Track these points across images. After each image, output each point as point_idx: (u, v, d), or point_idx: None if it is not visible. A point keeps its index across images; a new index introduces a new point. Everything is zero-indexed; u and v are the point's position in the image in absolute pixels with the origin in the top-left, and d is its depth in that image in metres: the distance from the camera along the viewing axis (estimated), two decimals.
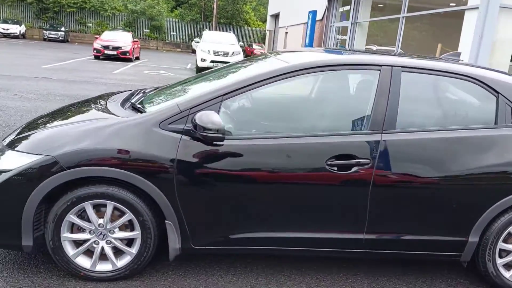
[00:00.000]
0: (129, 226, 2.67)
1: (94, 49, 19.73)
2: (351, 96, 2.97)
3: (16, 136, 2.86)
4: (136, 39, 23.23)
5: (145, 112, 2.76)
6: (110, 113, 2.85)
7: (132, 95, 3.47)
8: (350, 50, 3.50)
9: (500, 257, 2.87)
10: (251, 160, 2.60)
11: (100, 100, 3.32)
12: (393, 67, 2.76)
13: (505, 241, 2.84)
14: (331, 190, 2.65)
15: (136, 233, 2.64)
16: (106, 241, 2.66)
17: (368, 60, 2.83)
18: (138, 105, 2.96)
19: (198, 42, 17.40)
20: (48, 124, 2.89)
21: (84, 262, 2.67)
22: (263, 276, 2.87)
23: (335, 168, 2.60)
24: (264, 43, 36.33)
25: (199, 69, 16.26)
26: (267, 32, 27.80)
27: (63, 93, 9.53)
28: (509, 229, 2.81)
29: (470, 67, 2.95)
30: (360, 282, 2.89)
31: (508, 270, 2.91)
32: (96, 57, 19.82)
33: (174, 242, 2.65)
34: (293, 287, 2.78)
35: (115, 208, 2.60)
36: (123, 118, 2.66)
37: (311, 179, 2.63)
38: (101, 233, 2.64)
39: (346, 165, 2.61)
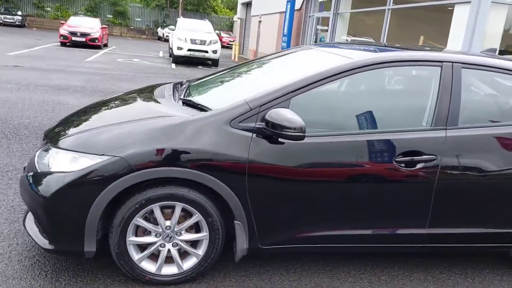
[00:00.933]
0: (193, 227, 2.58)
1: (61, 35, 18.89)
2: (413, 92, 2.98)
3: (62, 134, 2.69)
4: (105, 26, 22.44)
5: (207, 109, 2.65)
6: (168, 110, 2.73)
7: (175, 88, 3.34)
8: (387, 45, 3.49)
9: None
10: (321, 157, 2.56)
11: (148, 94, 3.19)
12: (453, 64, 2.79)
13: None
14: (398, 186, 2.67)
15: (204, 235, 2.56)
16: (173, 244, 2.57)
17: (431, 57, 2.84)
18: (193, 102, 2.84)
19: (173, 30, 17.00)
20: (98, 122, 2.73)
21: (148, 266, 2.57)
22: (324, 274, 2.87)
23: (403, 165, 2.62)
24: (231, 31, 36.02)
25: (175, 58, 15.94)
26: (238, 21, 27.53)
27: (43, 82, 9.08)
28: None
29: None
30: (416, 276, 2.94)
31: None
32: (63, 44, 19.01)
33: (242, 243, 2.59)
34: (356, 283, 2.79)
35: (182, 210, 2.50)
36: (190, 116, 2.55)
37: (379, 176, 2.63)
38: (167, 236, 2.54)
39: (413, 162, 2.63)
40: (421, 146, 2.65)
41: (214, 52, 16.09)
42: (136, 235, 2.52)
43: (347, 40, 13.52)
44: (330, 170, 2.57)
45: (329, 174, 2.57)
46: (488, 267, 3.15)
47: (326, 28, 13.08)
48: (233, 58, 21.45)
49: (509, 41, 8.29)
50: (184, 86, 3.45)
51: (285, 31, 15.26)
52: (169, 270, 2.60)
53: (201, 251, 2.59)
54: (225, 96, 3.04)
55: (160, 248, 2.56)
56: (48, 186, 2.41)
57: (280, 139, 2.48)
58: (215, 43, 16.17)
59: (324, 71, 2.63)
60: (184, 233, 2.57)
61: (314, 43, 13.59)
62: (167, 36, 31.80)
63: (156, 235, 2.53)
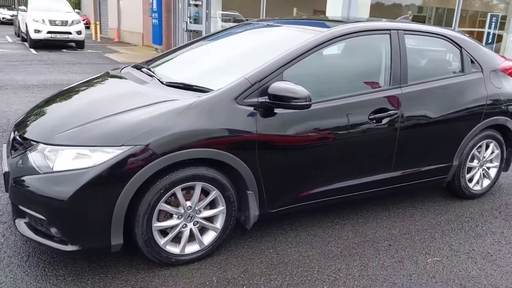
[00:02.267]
0: (209, 203, 2.69)
1: None
2: (373, 58, 3.40)
3: (52, 130, 2.51)
4: None
5: (205, 89, 2.72)
6: (167, 94, 2.72)
7: (141, 72, 3.28)
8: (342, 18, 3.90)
9: (467, 173, 3.80)
10: (314, 123, 2.86)
11: (124, 80, 3.08)
12: (398, 31, 3.30)
13: (471, 160, 3.77)
14: (373, 140, 3.13)
15: (221, 209, 2.69)
16: (194, 223, 2.65)
17: (382, 26, 3.30)
18: (186, 84, 2.86)
19: (24, 10, 15.17)
20: (93, 113, 2.59)
21: (172, 249, 2.62)
22: (316, 226, 3.23)
23: (374, 121, 3.07)
24: (80, 9, 33.21)
25: (33, 42, 14.36)
26: None
27: None
28: (473, 151, 3.73)
29: (440, 28, 3.69)
30: (382, 214, 3.49)
31: (470, 182, 3.86)
32: None
33: (254, 210, 2.79)
34: (342, 228, 3.22)
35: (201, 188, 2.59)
36: (197, 98, 2.60)
37: (359, 133, 3.04)
38: (188, 216, 2.61)
39: (381, 117, 3.10)
40: (385, 103, 3.13)
41: (78, 33, 14.90)
42: (158, 220, 2.54)
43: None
44: (322, 132, 2.89)
45: (321, 136, 2.89)
46: (428, 198, 3.86)
47: (200, 3, 13.11)
48: (94, 38, 20.05)
49: (376, 9, 9.50)
50: (144, 68, 3.38)
51: (154, 7, 14.81)
52: (192, 248, 2.68)
53: (218, 224, 2.72)
54: (213, 75, 3.11)
55: (182, 229, 2.62)
56: (65, 188, 2.28)
57: (276, 111, 2.70)
58: (77, 23, 14.96)
59: (305, 45, 2.90)
60: (203, 211, 2.66)
61: (189, 18, 13.53)
62: (4, 18, 28.13)
63: (178, 217, 2.58)
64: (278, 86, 2.62)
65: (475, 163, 3.82)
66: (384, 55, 3.27)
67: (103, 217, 2.35)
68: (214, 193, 2.63)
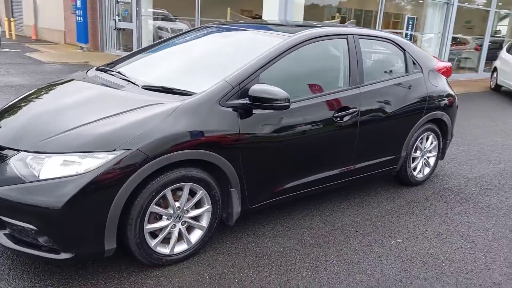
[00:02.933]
0: (195, 203, 2.77)
1: None
2: (334, 61, 3.65)
3: (32, 137, 2.47)
4: None
5: (187, 93, 2.79)
6: (150, 97, 2.76)
7: (109, 74, 3.27)
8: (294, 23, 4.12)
9: (412, 163, 4.23)
10: (289, 121, 3.05)
11: (102, 86, 3.04)
12: (354, 36, 3.60)
13: (415, 151, 4.20)
14: (338, 136, 3.40)
15: (207, 207, 2.80)
16: (182, 223, 2.72)
17: (341, 31, 3.57)
18: (159, 86, 2.91)
19: None
20: (73, 120, 2.56)
21: (162, 250, 2.68)
22: (288, 218, 3.44)
23: (338, 119, 3.34)
24: None
25: None
26: None
27: None
28: (416, 143, 4.15)
29: (386, 33, 4.07)
30: (344, 203, 3.79)
31: (414, 171, 4.30)
32: None
33: (237, 207, 2.92)
34: (313, 219, 3.47)
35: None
36: (182, 101, 2.67)
37: (327, 130, 3.29)
38: (177, 216, 2.68)
39: (343, 115, 3.37)
40: (347, 102, 3.41)
41: None
42: (149, 222, 2.58)
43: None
44: (294, 130, 3.09)
45: (293, 134, 3.09)
46: (380, 187, 4.24)
47: (129, 0, 12.77)
48: (8, 36, 18.63)
49: (309, 12, 9.93)
50: (113, 72, 3.35)
51: (78, 3, 14.13)
52: (180, 248, 2.75)
53: (204, 223, 2.82)
54: (189, 78, 3.17)
55: (171, 230, 2.68)
56: (57, 196, 2.25)
57: (254, 111, 2.86)
58: None
59: (279, 47, 3.08)
60: (191, 210, 2.75)
61: (117, 16, 13.12)
62: None
63: (167, 218, 2.64)
64: (259, 88, 2.77)
65: (418, 153, 4.26)
66: (343, 57, 3.55)
67: (97, 223, 2.35)
68: (201, 193, 2.73)
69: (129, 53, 3.95)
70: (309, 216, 3.52)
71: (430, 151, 4.41)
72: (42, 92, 3.21)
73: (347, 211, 3.68)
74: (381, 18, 10.52)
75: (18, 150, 2.43)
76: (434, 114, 4.17)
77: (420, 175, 4.38)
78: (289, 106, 2.84)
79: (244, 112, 2.82)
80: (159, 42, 3.99)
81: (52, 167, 2.33)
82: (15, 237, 2.45)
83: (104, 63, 3.76)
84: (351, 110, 3.41)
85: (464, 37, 14.50)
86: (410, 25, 11.88)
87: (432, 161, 4.46)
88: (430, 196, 4.15)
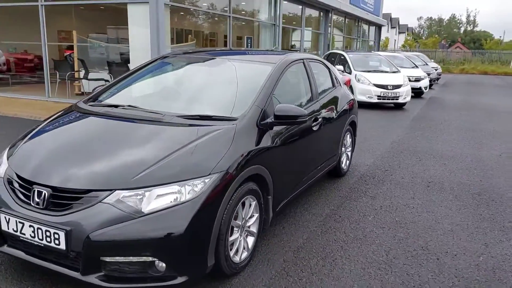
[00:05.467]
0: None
1: None
2: (301, 80, 4.31)
3: (120, 175, 2.56)
4: None
5: (226, 118, 3.12)
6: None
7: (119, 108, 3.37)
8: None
9: (341, 158, 5.26)
10: (293, 132, 3.63)
11: (139, 122, 3.10)
12: (306, 59, 4.41)
13: (342, 148, 5.24)
14: (315, 140, 4.13)
15: (257, 215, 3.19)
16: (244, 232, 3.06)
17: (300, 56, 4.32)
18: (196, 115, 3.17)
19: None
20: (155, 153, 2.71)
21: (235, 259, 2.97)
22: (289, 217, 4.02)
23: (315, 127, 4.09)
24: None
25: None
26: None
27: None
28: (343, 141, 5.20)
29: (317, 56, 4.98)
30: (311, 202, 4.54)
31: (342, 163, 5.34)
32: None
33: (270, 212, 3.39)
34: (302, 214, 4.12)
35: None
36: (234, 125, 3.01)
37: (308, 136, 3.98)
38: (242, 227, 3.02)
39: (316, 124, 4.13)
40: (317, 113, 4.18)
41: None
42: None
43: None
44: (296, 138, 3.69)
45: (295, 141, 3.69)
46: (322, 182, 5.13)
47: None
48: None
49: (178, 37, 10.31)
50: (119, 107, 3.38)
51: None
52: (244, 255, 3.08)
53: (255, 229, 3.20)
54: (214, 105, 3.46)
55: (239, 239, 3.00)
56: (175, 224, 2.43)
57: (274, 127, 3.37)
58: None
59: (273, 74, 3.64)
60: (248, 220, 3.11)
61: None
62: None
63: (237, 230, 2.96)
64: (284, 108, 3.31)
65: (343, 149, 5.31)
66: (306, 78, 4.32)
67: (205, 242, 2.58)
68: (254, 203, 3.12)
69: (113, 81, 3.93)
70: (298, 212, 4.16)
71: (349, 147, 5.51)
72: (61, 132, 3.09)
73: (320, 204, 4.44)
74: (231, 39, 11.62)
75: (111, 190, 2.47)
76: (353, 117, 5.29)
77: (345, 167, 5.44)
78: (307, 120, 3.45)
79: (269, 129, 3.31)
80: (135, 71, 4.05)
81: (155, 199, 2.47)
82: (111, 276, 2.46)
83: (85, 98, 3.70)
84: (319, 119, 4.19)
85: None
86: (249, 44, 13.34)
87: (349, 154, 5.58)
88: (358, 182, 5.23)
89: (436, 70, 21.56)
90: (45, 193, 2.52)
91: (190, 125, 3.03)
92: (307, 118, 3.43)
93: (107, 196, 2.45)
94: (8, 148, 3.11)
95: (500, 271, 3.22)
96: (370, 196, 4.73)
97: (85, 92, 11.19)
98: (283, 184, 3.57)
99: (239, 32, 12.65)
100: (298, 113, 3.33)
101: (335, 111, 4.75)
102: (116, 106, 3.39)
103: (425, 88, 15.52)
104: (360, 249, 3.47)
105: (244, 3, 12.97)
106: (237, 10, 12.22)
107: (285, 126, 3.48)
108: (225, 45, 11.80)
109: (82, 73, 11.07)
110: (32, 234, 2.51)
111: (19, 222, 2.54)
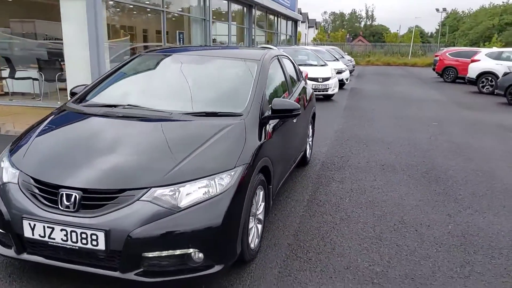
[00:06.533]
0: None
1: None
2: (281, 75, 4.50)
3: (148, 173, 2.62)
4: None
5: (231, 114, 3.26)
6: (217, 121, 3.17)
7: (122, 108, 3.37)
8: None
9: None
10: (282, 123, 3.87)
11: (150, 121, 3.13)
12: (278, 56, 4.64)
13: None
14: (294, 132, 4.41)
15: (263, 204, 3.39)
16: (256, 220, 3.24)
17: (274, 53, 4.53)
18: (203, 112, 3.26)
19: None
20: (178, 150, 2.81)
21: (251, 246, 3.14)
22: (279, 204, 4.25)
23: (294, 120, 4.35)
24: None
25: None
26: None
27: None
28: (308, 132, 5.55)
29: (285, 53, 5.22)
30: (291, 192, 4.82)
31: (306, 152, 5.69)
32: None
33: (270, 201, 3.60)
34: (292, 201, 4.39)
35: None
36: (241, 121, 3.15)
37: (291, 128, 4.24)
38: (254, 215, 3.20)
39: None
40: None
41: None
42: None
43: None
44: (283, 132, 3.93)
45: (284, 132, 3.93)
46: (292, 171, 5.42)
47: None
48: None
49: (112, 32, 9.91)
50: (120, 107, 3.36)
51: None
52: (256, 242, 3.25)
53: (262, 217, 3.39)
54: (211, 102, 3.54)
55: (253, 227, 3.17)
56: (212, 216, 2.55)
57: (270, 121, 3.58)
58: None
59: (262, 70, 3.82)
60: (259, 208, 3.29)
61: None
62: None
63: (252, 219, 3.13)
64: (281, 103, 3.53)
65: (308, 139, 5.65)
66: (283, 72, 4.56)
67: (236, 231, 2.73)
68: (262, 193, 3.31)
69: (96, 81, 3.83)
70: (282, 200, 4.41)
71: (310, 136, 5.87)
72: (69, 133, 3.02)
73: (298, 191, 4.73)
74: (165, 34, 11.47)
75: (146, 188, 2.52)
76: (314, 108, 5.65)
77: (309, 156, 5.80)
78: (300, 112, 3.70)
79: (267, 122, 3.51)
80: (116, 69, 3.98)
81: (188, 194, 2.57)
82: (149, 271, 2.52)
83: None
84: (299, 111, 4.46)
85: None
86: (181, 39, 13.24)
87: (310, 143, 5.94)
88: (323, 169, 5.62)
89: (351, 62, 23.05)
90: (75, 196, 2.49)
91: (201, 121, 3.13)
92: (300, 111, 3.68)
93: (144, 194, 2.49)
94: (8, 154, 2.96)
95: (468, 235, 3.75)
96: (338, 181, 5.13)
97: (10, 92, 10.40)
98: (278, 174, 3.79)
99: (171, 27, 12.48)
100: (293, 107, 3.56)
101: (304, 103, 5.05)
102: (114, 106, 3.36)
103: (346, 79, 16.56)
104: (350, 228, 3.82)
105: None
106: (170, 5, 12.08)
107: (278, 119, 3.69)
108: (160, 40, 11.61)
109: (5, 72, 10.25)
110: (64, 238, 2.47)
111: (48, 227, 2.48)
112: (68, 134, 3.10)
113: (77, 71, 8.79)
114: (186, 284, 2.80)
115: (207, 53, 4.36)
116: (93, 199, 2.50)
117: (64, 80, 9.24)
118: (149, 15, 12.17)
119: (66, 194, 2.51)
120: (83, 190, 2.51)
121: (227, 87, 3.77)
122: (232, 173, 2.73)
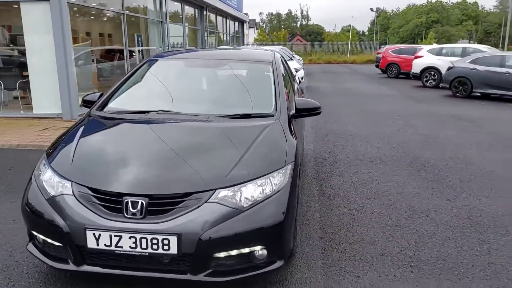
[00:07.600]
0: None
1: None
2: (286, 73, 4.59)
3: (212, 178, 2.65)
4: None
5: (263, 115, 3.35)
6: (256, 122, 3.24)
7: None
8: None
9: None
10: (297, 122, 4.00)
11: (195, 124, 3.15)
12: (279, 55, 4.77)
13: None
14: (302, 128, 4.55)
15: None
16: None
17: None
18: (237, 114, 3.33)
19: None
20: (229, 152, 2.86)
21: None
22: None
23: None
24: None
25: None
26: None
27: None
28: None
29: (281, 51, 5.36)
30: None
31: None
32: None
33: (298, 198, 3.72)
34: (300, 197, 4.52)
35: None
36: (276, 121, 3.24)
37: (300, 125, 4.39)
38: None
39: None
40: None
41: None
42: None
43: None
44: (298, 129, 4.06)
45: (298, 132, 4.06)
46: None
47: None
48: None
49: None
50: (152, 113, 3.34)
51: None
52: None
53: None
54: (241, 104, 3.60)
55: None
56: (274, 213, 2.63)
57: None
58: None
59: (277, 71, 3.93)
60: None
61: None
62: None
63: None
64: (305, 102, 3.67)
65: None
66: (286, 72, 4.68)
67: (292, 226, 2.82)
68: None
69: (113, 88, 3.73)
70: (300, 196, 4.53)
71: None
72: (114, 141, 2.96)
73: (306, 186, 4.88)
74: (126, 37, 11.18)
75: (211, 190, 2.55)
76: None
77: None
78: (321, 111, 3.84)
79: (292, 121, 3.63)
80: (130, 76, 3.91)
81: (249, 193, 2.64)
82: (217, 272, 2.57)
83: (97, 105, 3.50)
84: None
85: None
86: (140, 42, 12.96)
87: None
88: (318, 164, 5.82)
89: (300, 61, 23.63)
90: (142, 203, 2.47)
91: (242, 123, 3.19)
92: (321, 110, 3.83)
93: (211, 196, 2.52)
94: (48, 165, 2.84)
95: (473, 217, 4.09)
96: (337, 175, 5.34)
97: None
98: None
99: (129, 30, 12.20)
100: (315, 105, 3.71)
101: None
102: (144, 112, 3.33)
103: (302, 78, 16.99)
104: (368, 218, 4.03)
105: (134, 2, 12.57)
106: (129, 8, 11.79)
107: (298, 118, 3.82)
108: (120, 42, 11.29)
109: None
110: (133, 245, 2.45)
111: (115, 235, 2.44)
112: (112, 141, 3.03)
113: (42, 78, 8.42)
114: (242, 280, 2.85)
115: (216, 56, 4.39)
116: (160, 205, 2.50)
117: (26, 89, 8.78)
118: (109, 16, 11.81)
119: (131, 201, 2.48)
120: (149, 196, 2.50)
121: (249, 89, 3.84)
122: (283, 171, 2.82)
